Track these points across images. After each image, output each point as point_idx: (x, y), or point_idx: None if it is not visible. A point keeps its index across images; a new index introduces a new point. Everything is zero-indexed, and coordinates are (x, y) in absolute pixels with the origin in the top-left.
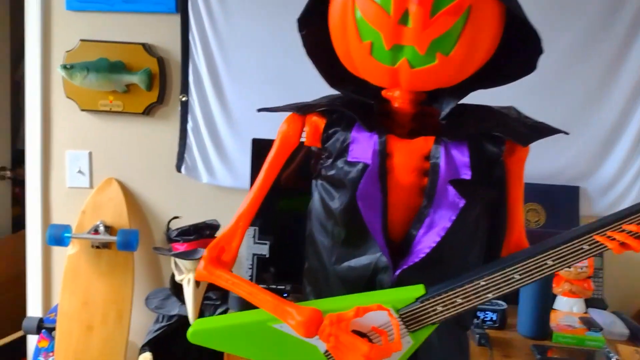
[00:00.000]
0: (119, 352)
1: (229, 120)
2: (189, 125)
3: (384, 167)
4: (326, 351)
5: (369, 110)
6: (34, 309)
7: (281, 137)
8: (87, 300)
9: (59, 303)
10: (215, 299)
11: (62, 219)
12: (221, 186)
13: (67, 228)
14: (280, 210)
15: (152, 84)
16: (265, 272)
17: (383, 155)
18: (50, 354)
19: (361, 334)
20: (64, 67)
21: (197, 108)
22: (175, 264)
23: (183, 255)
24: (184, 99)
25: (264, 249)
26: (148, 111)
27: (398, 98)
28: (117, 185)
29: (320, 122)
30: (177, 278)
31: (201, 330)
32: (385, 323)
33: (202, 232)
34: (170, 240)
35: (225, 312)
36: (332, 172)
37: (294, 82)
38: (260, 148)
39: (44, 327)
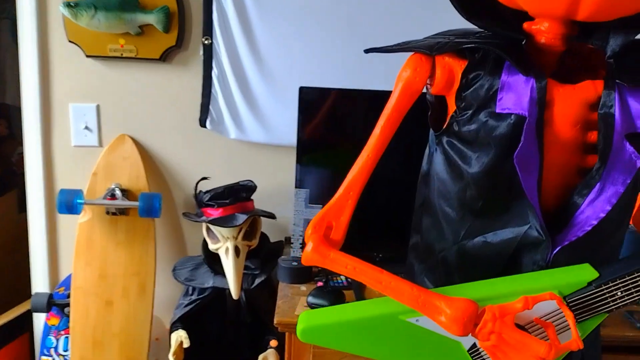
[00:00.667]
0: (143, 328)
1: (260, 67)
2: (214, 73)
3: (541, 119)
4: (474, 348)
5: (518, 49)
6: (39, 283)
7: (403, 84)
8: (104, 273)
9: (73, 276)
10: (253, 268)
11: (68, 182)
12: (252, 142)
13: (79, 193)
14: (336, 169)
15: (170, 24)
16: None
17: (542, 105)
18: (62, 332)
19: (520, 327)
20: (67, 5)
21: (222, 52)
22: (208, 231)
23: (221, 222)
24: (207, 42)
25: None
26: (165, 56)
27: (547, 32)
28: (132, 142)
29: (457, 65)
30: (212, 247)
31: (315, 327)
32: (549, 313)
33: (238, 194)
34: (201, 204)
35: (266, 282)
36: (470, 127)
37: (341, 22)
38: (308, 98)
39: (55, 303)
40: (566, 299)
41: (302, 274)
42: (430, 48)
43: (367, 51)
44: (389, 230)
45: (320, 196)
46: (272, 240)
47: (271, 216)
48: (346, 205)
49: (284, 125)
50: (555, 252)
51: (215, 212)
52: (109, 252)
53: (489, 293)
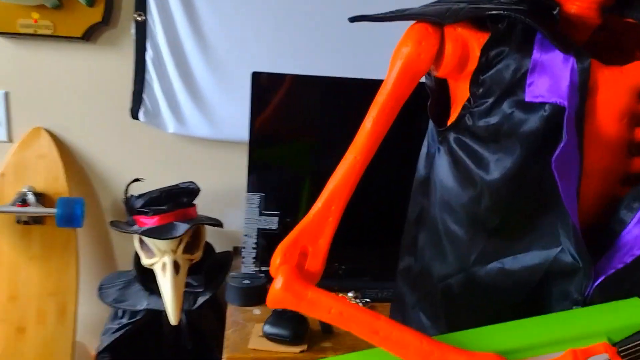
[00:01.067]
0: (64, 358)
1: (204, 48)
2: (148, 55)
3: (582, 111)
4: None
5: (549, 20)
6: None
7: (403, 63)
8: (14, 294)
9: None
10: (196, 285)
11: None
12: (195, 137)
13: None
14: (295, 172)
15: None
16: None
17: (584, 92)
18: None
19: None
20: None
21: (159, 31)
22: (142, 243)
23: (157, 233)
24: (140, 18)
25: (272, 223)
26: (89, 35)
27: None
28: (48, 137)
29: (473, 39)
30: (146, 262)
31: None
32: None
33: (178, 199)
34: (132, 211)
35: (211, 300)
36: (489, 121)
37: None
38: (263, 85)
39: None
40: (618, 348)
41: (256, 294)
42: (440, 15)
43: (352, 20)
44: (357, 238)
45: (277, 202)
46: (218, 250)
47: (218, 224)
48: (326, 223)
49: (233, 117)
50: (597, 283)
51: (149, 221)
52: (20, 268)
53: (520, 342)
